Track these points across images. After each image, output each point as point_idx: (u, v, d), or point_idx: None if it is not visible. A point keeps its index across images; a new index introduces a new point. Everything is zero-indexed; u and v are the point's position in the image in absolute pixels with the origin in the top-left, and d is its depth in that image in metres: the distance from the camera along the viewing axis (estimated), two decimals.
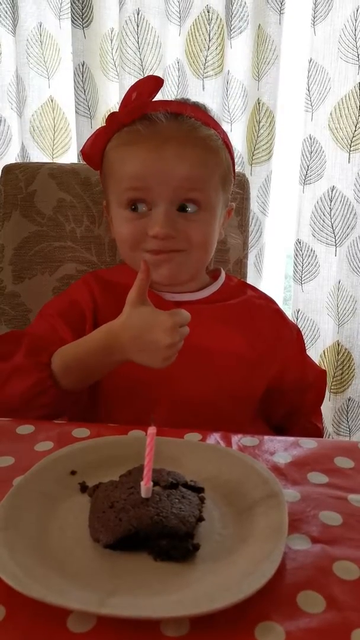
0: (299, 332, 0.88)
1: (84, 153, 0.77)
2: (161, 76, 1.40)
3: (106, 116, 0.75)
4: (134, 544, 0.41)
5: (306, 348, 1.43)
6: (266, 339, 0.80)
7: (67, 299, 0.79)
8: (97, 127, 0.78)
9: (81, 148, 0.78)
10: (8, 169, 0.94)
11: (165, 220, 0.70)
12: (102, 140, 0.74)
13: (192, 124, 0.73)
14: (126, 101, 0.73)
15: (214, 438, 0.58)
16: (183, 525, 0.41)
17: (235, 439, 0.58)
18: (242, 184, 0.95)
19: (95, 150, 0.75)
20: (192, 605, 0.35)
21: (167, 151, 0.70)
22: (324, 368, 1.42)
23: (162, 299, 0.77)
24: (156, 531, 0.41)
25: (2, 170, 0.95)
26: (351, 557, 0.42)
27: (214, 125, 0.78)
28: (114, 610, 0.35)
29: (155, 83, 0.72)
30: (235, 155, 1.37)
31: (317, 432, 0.87)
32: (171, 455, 0.50)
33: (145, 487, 0.42)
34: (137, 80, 0.78)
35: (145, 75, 0.75)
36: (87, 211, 0.93)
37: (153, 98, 0.73)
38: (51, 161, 1.50)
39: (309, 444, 0.57)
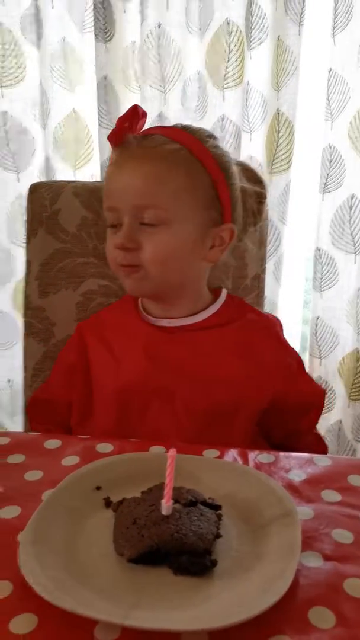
0: (298, 357, 0.88)
1: None
2: (181, 88, 1.43)
3: None
4: (156, 559, 0.44)
5: (325, 354, 1.44)
6: (264, 365, 0.80)
7: (66, 363, 0.87)
8: None
9: None
10: (34, 188, 0.98)
11: (125, 232, 0.73)
12: None
13: (155, 141, 0.75)
14: (112, 131, 0.77)
15: (232, 455, 0.60)
16: (201, 542, 0.44)
17: (252, 455, 0.60)
18: (259, 209, 0.97)
19: None
20: (209, 620, 0.38)
21: (126, 168, 0.74)
22: (342, 374, 1.44)
23: (156, 326, 0.80)
24: (176, 547, 0.44)
25: (28, 190, 0.99)
26: None
27: (189, 141, 0.76)
28: (137, 622, 0.38)
29: (133, 113, 0.75)
30: (254, 164, 1.39)
31: (320, 441, 0.88)
32: (190, 472, 0.53)
33: (166, 505, 0.45)
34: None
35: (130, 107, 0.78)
36: None
37: (135, 124, 0.76)
38: (74, 171, 1.54)
39: (323, 461, 0.59)
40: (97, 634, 0.39)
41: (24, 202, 1.47)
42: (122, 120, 0.75)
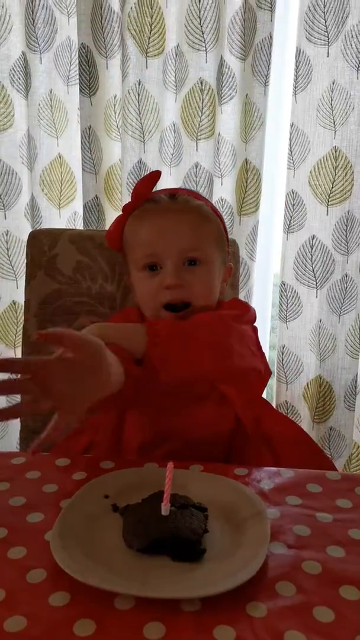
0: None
1: (107, 238, 0.94)
2: (159, 138, 1.58)
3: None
4: (158, 549, 0.56)
5: (291, 380, 1.57)
6: None
7: None
8: (116, 216, 0.95)
9: (105, 235, 0.96)
10: (34, 235, 1.10)
11: (174, 273, 0.86)
12: (121, 225, 0.92)
13: (185, 199, 0.92)
14: (134, 191, 0.91)
15: (213, 469, 0.73)
16: (193, 535, 0.57)
17: (230, 469, 0.73)
18: (233, 253, 1.11)
19: (116, 233, 0.93)
20: (202, 590, 0.51)
21: (168, 221, 0.88)
22: (306, 399, 1.57)
23: None
24: (174, 539, 0.56)
25: (28, 236, 1.10)
26: (316, 559, 0.58)
27: (204, 199, 0.96)
28: (149, 593, 0.50)
29: (155, 176, 0.91)
30: (224, 206, 1.53)
31: None
32: (181, 483, 0.65)
33: (165, 507, 0.57)
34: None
35: (149, 172, 0.93)
36: (101, 271, 1.09)
37: (154, 186, 0.92)
38: (59, 210, 1.65)
39: (287, 473, 0.73)
40: (117, 604, 0.51)
41: (9, 239, 1.59)
42: (144, 183, 0.90)
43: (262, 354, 0.93)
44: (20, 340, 1.15)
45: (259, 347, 0.92)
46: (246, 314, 0.93)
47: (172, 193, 0.93)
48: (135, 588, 0.51)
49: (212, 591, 0.50)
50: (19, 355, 1.27)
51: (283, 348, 1.57)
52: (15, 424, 1.62)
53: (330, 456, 1.59)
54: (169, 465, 0.57)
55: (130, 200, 0.91)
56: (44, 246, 1.08)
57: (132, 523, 0.58)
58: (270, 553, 0.57)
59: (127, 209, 0.92)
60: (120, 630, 0.48)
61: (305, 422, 1.58)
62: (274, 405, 1.57)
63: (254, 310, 0.96)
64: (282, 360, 1.57)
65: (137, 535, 0.57)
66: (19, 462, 0.74)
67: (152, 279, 0.88)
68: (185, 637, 0.48)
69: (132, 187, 0.92)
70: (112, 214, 1.62)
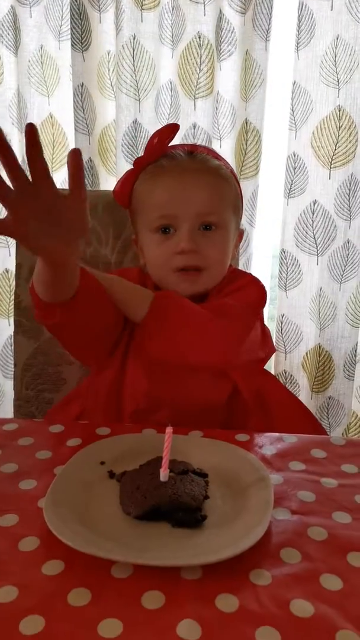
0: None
1: (116, 193, 0.89)
2: (155, 96, 1.51)
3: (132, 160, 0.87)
4: (157, 516, 0.54)
5: (290, 349, 1.54)
6: None
7: None
8: (126, 170, 0.90)
9: (113, 189, 0.91)
10: None
11: (189, 237, 0.82)
12: (131, 180, 0.87)
13: (204, 158, 0.87)
14: (149, 145, 0.86)
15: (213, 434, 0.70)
16: (194, 502, 0.54)
17: (231, 434, 0.70)
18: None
19: (126, 189, 0.88)
20: (203, 557, 0.48)
21: (187, 180, 0.83)
22: (306, 368, 1.55)
23: None
24: (173, 506, 0.53)
25: None
26: (321, 524, 0.55)
27: (222, 159, 0.91)
28: (147, 560, 0.48)
29: (172, 129, 0.85)
30: None
31: None
32: (180, 448, 0.62)
33: (164, 473, 0.55)
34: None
35: (165, 124, 0.87)
36: (96, 234, 1.04)
37: (171, 141, 0.86)
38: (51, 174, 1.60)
39: (290, 439, 0.70)
40: (114, 572, 0.49)
41: None
42: (161, 135, 0.85)
43: (267, 336, 0.90)
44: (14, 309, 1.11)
45: (265, 332, 0.89)
46: (263, 300, 0.89)
47: (190, 150, 0.88)
48: (133, 556, 0.48)
49: (213, 558, 0.48)
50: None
51: (282, 317, 1.54)
52: (9, 393, 1.59)
53: (328, 425, 1.57)
54: (167, 429, 0.55)
55: (143, 154, 0.86)
56: None
57: (129, 490, 0.56)
58: (273, 519, 0.55)
59: (140, 162, 0.86)
60: (117, 599, 0.46)
61: (304, 391, 1.56)
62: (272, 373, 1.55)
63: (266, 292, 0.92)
64: (282, 329, 1.54)
65: (134, 502, 0.54)
66: (11, 428, 0.71)
67: (165, 242, 0.84)
68: (186, 606, 0.45)
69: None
70: (106, 178, 1.57)
